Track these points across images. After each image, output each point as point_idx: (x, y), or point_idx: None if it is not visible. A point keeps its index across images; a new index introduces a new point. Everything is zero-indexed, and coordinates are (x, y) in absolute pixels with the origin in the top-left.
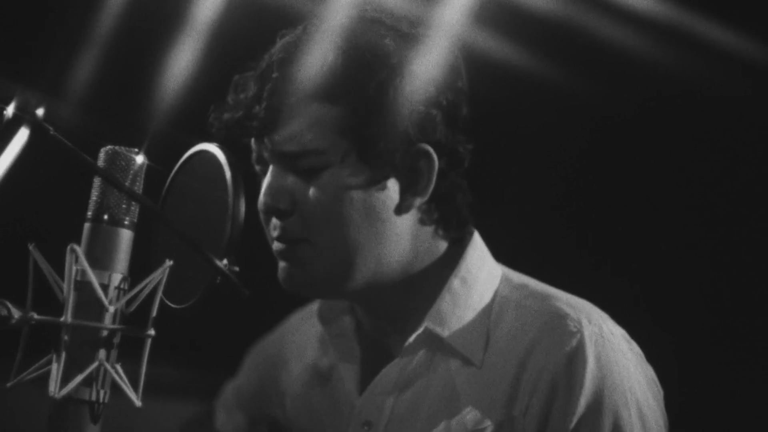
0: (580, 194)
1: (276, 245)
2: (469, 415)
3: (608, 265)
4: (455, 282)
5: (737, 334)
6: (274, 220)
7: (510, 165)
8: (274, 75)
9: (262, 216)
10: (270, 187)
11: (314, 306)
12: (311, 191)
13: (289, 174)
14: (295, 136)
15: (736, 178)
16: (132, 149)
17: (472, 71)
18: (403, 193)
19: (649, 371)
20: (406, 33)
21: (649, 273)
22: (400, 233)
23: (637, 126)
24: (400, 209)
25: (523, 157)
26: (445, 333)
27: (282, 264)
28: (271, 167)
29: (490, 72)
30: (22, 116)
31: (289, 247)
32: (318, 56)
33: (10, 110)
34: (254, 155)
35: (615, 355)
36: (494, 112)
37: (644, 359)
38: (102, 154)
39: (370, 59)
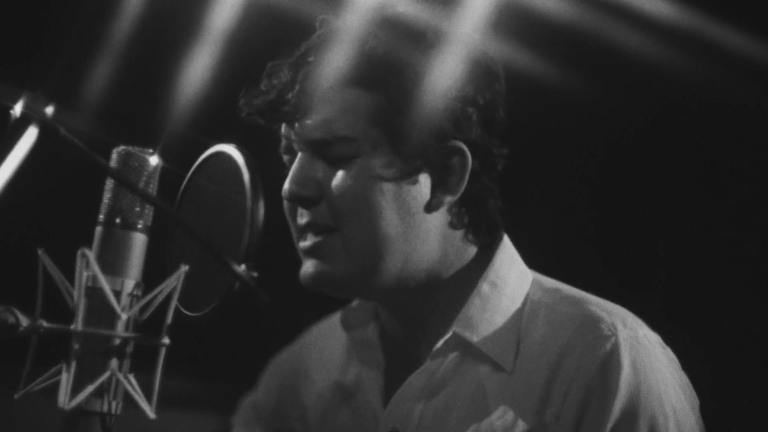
0: (601, 202)
1: (302, 243)
2: (499, 421)
3: (630, 273)
4: (485, 286)
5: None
6: (300, 210)
7: (529, 174)
8: (310, 59)
9: (286, 206)
10: (296, 174)
11: (336, 317)
12: (340, 179)
13: (317, 162)
14: (327, 123)
15: (762, 186)
16: (146, 150)
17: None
18: (434, 189)
19: (684, 378)
20: (446, 30)
21: (674, 279)
22: (428, 231)
23: (658, 134)
24: (430, 206)
25: (542, 165)
26: (474, 338)
27: (307, 261)
28: (299, 155)
29: (508, 80)
30: (31, 115)
31: (316, 243)
32: (356, 43)
33: (18, 109)
34: (283, 143)
35: (650, 360)
36: (512, 122)
37: (679, 366)
38: (114, 155)
39: (409, 48)
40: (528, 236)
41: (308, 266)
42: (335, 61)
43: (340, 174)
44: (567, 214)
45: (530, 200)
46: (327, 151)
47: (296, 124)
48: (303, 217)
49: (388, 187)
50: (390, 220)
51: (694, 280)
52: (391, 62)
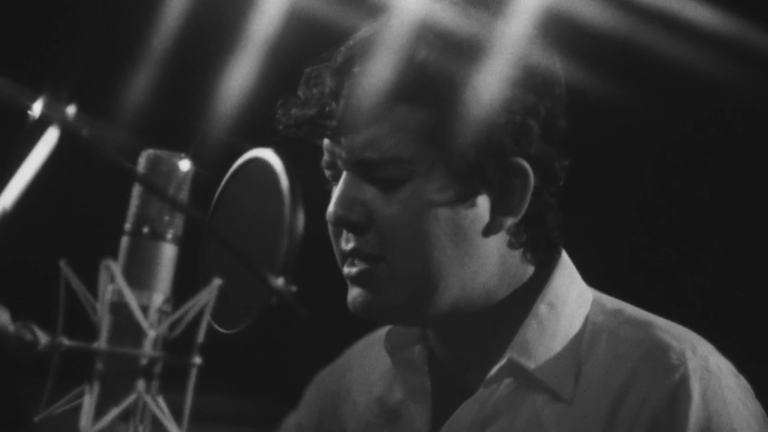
0: (649, 214)
1: (347, 269)
2: None
3: (679, 287)
4: (542, 308)
5: None
6: (346, 234)
7: (575, 186)
8: (355, 69)
9: (331, 229)
10: (343, 196)
11: (380, 333)
12: (391, 206)
13: (365, 184)
14: (376, 142)
15: None
16: (177, 154)
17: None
18: (494, 211)
19: (759, 409)
20: (499, 34)
21: (724, 292)
22: (486, 255)
23: (708, 144)
24: (489, 230)
25: (587, 177)
26: (530, 364)
27: (354, 289)
28: (344, 174)
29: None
30: (51, 116)
31: (363, 270)
32: (406, 52)
33: (36, 109)
34: (325, 158)
35: (722, 391)
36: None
37: (753, 396)
38: (143, 159)
39: (463, 57)
40: (573, 249)
41: (355, 294)
42: (383, 73)
43: (390, 200)
44: (613, 226)
45: (578, 213)
46: (376, 172)
47: (342, 141)
48: (348, 243)
49: (443, 213)
50: (445, 248)
51: (746, 292)
52: (445, 74)
